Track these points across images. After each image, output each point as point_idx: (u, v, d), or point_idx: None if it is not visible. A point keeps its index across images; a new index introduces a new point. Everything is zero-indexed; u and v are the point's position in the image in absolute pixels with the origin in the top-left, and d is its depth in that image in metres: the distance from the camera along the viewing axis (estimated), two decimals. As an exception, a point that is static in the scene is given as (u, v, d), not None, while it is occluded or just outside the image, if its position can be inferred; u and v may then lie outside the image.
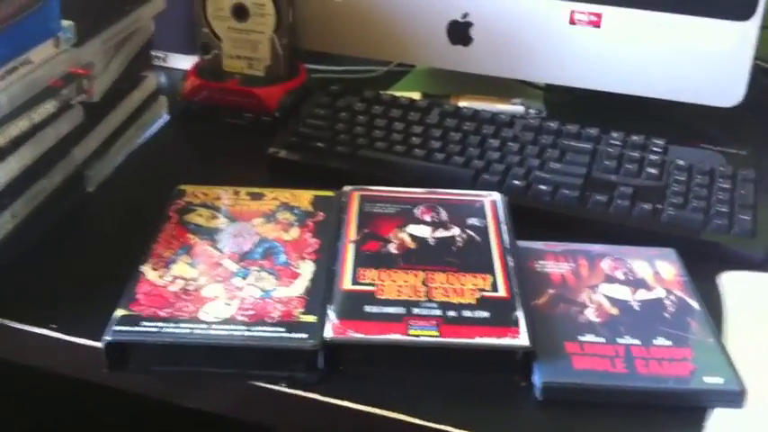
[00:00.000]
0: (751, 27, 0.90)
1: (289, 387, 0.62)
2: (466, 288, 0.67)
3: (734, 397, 0.60)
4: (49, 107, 0.74)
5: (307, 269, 0.69)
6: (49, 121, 0.75)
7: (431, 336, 0.62)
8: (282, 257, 0.70)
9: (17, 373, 0.77)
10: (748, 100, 0.92)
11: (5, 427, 1.04)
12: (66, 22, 0.76)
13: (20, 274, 0.71)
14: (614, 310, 0.67)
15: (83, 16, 0.80)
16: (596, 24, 0.95)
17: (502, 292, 0.66)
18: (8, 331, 0.67)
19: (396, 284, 0.67)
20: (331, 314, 0.64)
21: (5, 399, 1.03)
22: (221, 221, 0.74)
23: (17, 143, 0.71)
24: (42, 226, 0.76)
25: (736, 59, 0.91)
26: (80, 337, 0.65)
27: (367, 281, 0.67)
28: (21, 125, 0.71)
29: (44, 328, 0.66)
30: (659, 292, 0.69)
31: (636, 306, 0.68)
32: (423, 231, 0.73)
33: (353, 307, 0.64)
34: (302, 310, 0.64)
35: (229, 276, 0.68)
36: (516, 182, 0.82)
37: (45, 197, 0.76)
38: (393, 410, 0.61)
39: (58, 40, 0.76)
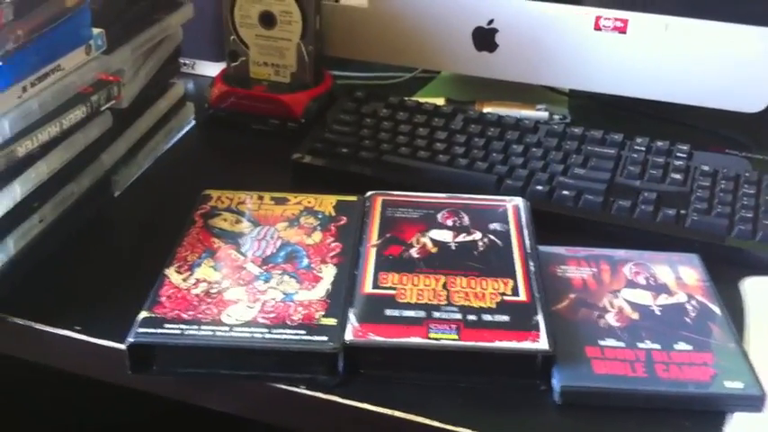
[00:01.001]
0: (777, 32, 0.89)
1: (309, 389, 0.63)
2: (487, 292, 0.67)
3: (754, 401, 0.60)
4: (78, 113, 0.75)
5: (328, 273, 0.69)
6: (79, 127, 0.76)
7: (451, 339, 0.62)
8: (305, 261, 0.71)
9: (32, 374, 0.78)
10: (773, 105, 0.92)
11: (21, 427, 1.06)
12: (96, 30, 0.78)
13: (46, 277, 0.73)
14: (635, 315, 0.67)
15: (113, 24, 0.81)
16: (622, 30, 0.95)
17: (522, 296, 0.66)
18: (33, 333, 0.68)
19: (417, 288, 0.67)
20: (352, 317, 0.64)
21: (20, 399, 1.05)
22: (245, 226, 0.75)
23: (47, 148, 0.73)
24: (69, 229, 0.77)
25: (762, 65, 0.91)
26: (104, 339, 0.66)
27: (388, 285, 0.67)
28: (51, 130, 0.72)
29: (68, 329, 0.67)
30: (681, 297, 0.69)
31: (657, 311, 0.67)
32: (445, 236, 0.73)
33: (374, 310, 0.65)
34: (323, 314, 0.64)
35: (252, 280, 0.68)
36: (540, 187, 0.82)
37: (73, 201, 0.77)
38: (413, 413, 0.61)
39: (89, 48, 0.77)
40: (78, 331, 0.67)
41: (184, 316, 0.64)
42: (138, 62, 0.87)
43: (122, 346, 0.63)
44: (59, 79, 0.73)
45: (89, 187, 0.79)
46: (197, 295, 0.66)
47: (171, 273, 0.69)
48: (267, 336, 0.62)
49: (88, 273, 0.74)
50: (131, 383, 0.66)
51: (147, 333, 0.63)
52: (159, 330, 0.63)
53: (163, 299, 0.66)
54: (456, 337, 0.63)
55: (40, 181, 0.72)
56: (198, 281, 0.68)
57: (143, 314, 0.64)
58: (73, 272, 0.74)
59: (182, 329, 0.63)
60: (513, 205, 0.77)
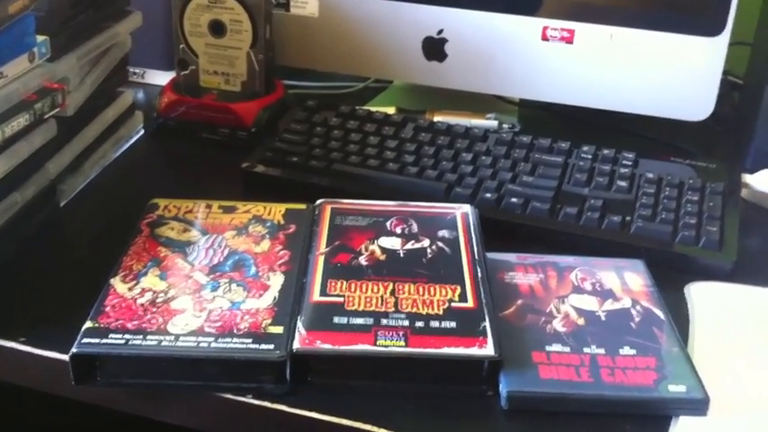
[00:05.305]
0: (720, 43, 0.91)
1: (256, 399, 0.62)
2: (435, 299, 0.67)
3: (697, 405, 0.61)
4: (21, 121, 0.74)
5: (276, 281, 0.69)
6: (22, 135, 0.75)
7: (398, 346, 0.62)
8: (252, 269, 0.70)
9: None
10: (717, 113, 0.94)
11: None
12: (40, 38, 0.77)
13: (-10, 288, 0.72)
14: (581, 320, 0.68)
15: (58, 31, 0.81)
16: (569, 41, 0.96)
17: (470, 302, 0.67)
18: (-24, 344, 0.67)
19: (365, 296, 0.67)
20: (299, 325, 0.64)
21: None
22: (193, 234, 0.75)
23: (-11, 157, 0.72)
24: (14, 239, 0.76)
25: (706, 74, 0.92)
26: (49, 350, 0.65)
27: (336, 292, 0.67)
28: (-7, 138, 0.71)
29: (13, 341, 0.66)
30: (626, 303, 0.70)
31: (603, 316, 0.68)
32: (393, 243, 0.73)
33: (322, 318, 0.65)
34: (270, 322, 0.64)
35: (199, 289, 0.68)
36: (488, 195, 0.83)
37: (17, 210, 0.76)
38: (361, 421, 0.61)
39: (33, 55, 0.76)
40: (23, 342, 0.66)
41: (129, 326, 0.63)
42: (85, 70, 0.86)
43: (66, 357, 0.62)
44: (2, 87, 0.72)
45: (34, 196, 0.78)
46: (142, 305, 0.66)
47: (116, 282, 0.68)
48: (213, 345, 0.62)
49: (33, 283, 0.73)
50: (77, 395, 0.65)
51: (90, 343, 0.62)
52: (103, 340, 0.62)
53: (107, 308, 0.65)
54: (403, 343, 0.63)
55: (-18, 190, 0.71)
56: (143, 290, 0.67)
57: (87, 324, 0.63)
58: (17, 282, 0.73)
59: (126, 339, 0.62)
60: (462, 213, 0.78)
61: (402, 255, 0.72)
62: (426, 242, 0.74)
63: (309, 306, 0.66)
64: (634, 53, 0.94)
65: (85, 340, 0.62)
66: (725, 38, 0.91)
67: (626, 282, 0.72)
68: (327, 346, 0.62)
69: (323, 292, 0.67)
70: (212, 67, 0.99)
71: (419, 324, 0.64)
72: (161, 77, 1.08)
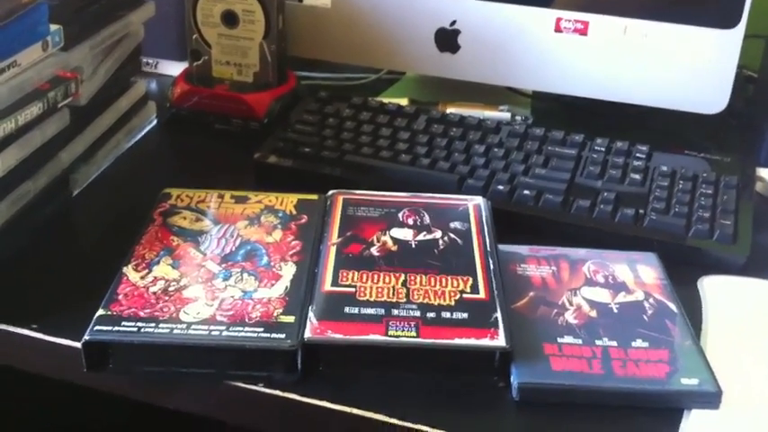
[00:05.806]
0: (735, 35, 0.90)
1: (267, 387, 0.62)
2: (446, 290, 0.67)
3: (710, 398, 0.61)
4: (34, 110, 0.74)
5: (288, 271, 0.69)
6: (35, 124, 0.75)
7: (409, 337, 0.62)
8: (264, 259, 0.70)
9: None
10: (732, 107, 0.93)
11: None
12: (54, 27, 0.77)
13: (3, 275, 0.72)
14: (593, 313, 0.67)
15: (72, 21, 0.81)
16: (583, 33, 0.96)
17: (482, 293, 0.67)
18: (-11, 331, 0.67)
19: (376, 286, 0.67)
20: (311, 315, 0.64)
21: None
22: (205, 224, 0.75)
23: (2, 145, 0.72)
24: (27, 228, 0.76)
25: (721, 67, 0.92)
26: (61, 337, 0.66)
27: (348, 282, 0.67)
28: (6, 127, 0.71)
29: (25, 328, 0.66)
30: (639, 296, 0.69)
31: (615, 309, 0.68)
32: (405, 234, 0.73)
33: (333, 308, 0.65)
34: (282, 311, 0.64)
35: (211, 278, 0.68)
36: (501, 187, 0.82)
37: (30, 199, 0.76)
38: (372, 411, 0.61)
39: (46, 44, 0.76)
40: (35, 329, 0.66)
41: (141, 314, 0.63)
42: (98, 59, 0.87)
43: (78, 345, 0.62)
44: (15, 75, 0.72)
45: (46, 185, 0.78)
46: (155, 293, 0.66)
47: (129, 270, 0.68)
48: (225, 333, 0.62)
49: (46, 271, 0.73)
50: (88, 382, 0.66)
51: (102, 331, 0.62)
52: (115, 328, 0.62)
53: (120, 297, 0.65)
54: (415, 334, 0.62)
55: (-5, 178, 0.71)
56: (156, 278, 0.67)
57: (99, 312, 0.64)
58: (30, 270, 0.73)
59: (138, 327, 0.62)
60: (475, 204, 0.77)
61: (414, 246, 0.72)
62: (438, 233, 0.73)
63: (321, 296, 0.66)
64: (648, 46, 0.94)
65: (98, 328, 0.62)
66: (740, 30, 0.90)
67: (639, 275, 0.72)
68: (338, 336, 0.62)
69: (334, 282, 0.67)
70: (225, 58, 0.99)
71: (431, 315, 0.64)
72: (174, 68, 1.08)
